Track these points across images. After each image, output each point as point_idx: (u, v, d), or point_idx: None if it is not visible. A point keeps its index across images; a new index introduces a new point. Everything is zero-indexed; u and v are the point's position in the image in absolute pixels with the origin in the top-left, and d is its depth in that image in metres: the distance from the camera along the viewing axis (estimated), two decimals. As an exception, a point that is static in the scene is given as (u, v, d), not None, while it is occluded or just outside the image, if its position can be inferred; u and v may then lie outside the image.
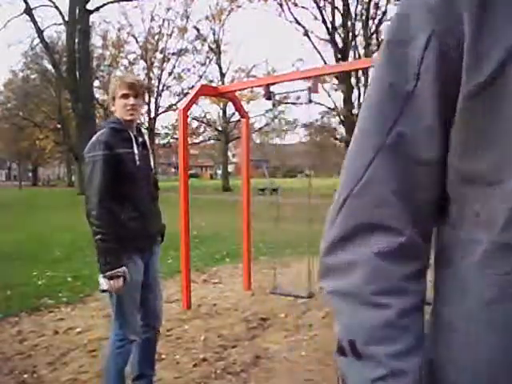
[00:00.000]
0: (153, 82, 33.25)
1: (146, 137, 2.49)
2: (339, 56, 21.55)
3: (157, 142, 34.75)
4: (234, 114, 28.58)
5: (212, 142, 37.39)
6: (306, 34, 21.88)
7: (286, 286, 4.49)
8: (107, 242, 2.11)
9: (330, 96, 23.04)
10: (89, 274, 5.38)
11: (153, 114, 33.90)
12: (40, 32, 19.80)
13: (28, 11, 19.12)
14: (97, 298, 4.52)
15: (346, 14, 21.60)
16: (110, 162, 2.14)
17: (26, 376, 2.85)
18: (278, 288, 4.09)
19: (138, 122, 2.46)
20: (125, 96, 2.25)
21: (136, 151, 2.27)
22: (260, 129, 31.42)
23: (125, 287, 2.14)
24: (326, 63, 20.78)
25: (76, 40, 18.54)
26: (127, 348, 2.30)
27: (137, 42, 32.24)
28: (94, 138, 2.23)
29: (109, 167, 2.13)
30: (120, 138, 2.23)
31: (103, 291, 2.18)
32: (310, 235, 4.55)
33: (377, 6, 21.12)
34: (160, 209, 2.49)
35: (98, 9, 20.23)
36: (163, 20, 31.57)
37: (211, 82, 29.63)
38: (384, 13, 21.02)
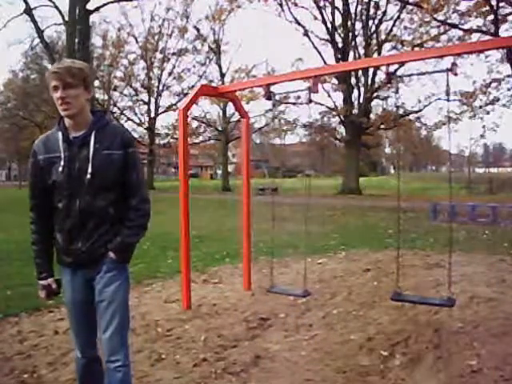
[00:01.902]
0: (153, 81, 33.28)
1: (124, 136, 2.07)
2: (339, 56, 21.55)
3: (157, 142, 34.75)
4: (233, 114, 28.58)
5: (212, 141, 37.38)
6: (306, 34, 21.90)
7: (284, 286, 4.49)
8: (32, 252, 2.06)
9: (329, 96, 23.02)
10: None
11: (153, 114, 33.92)
12: (40, 32, 19.80)
13: (28, 11, 19.12)
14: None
15: (346, 14, 21.60)
16: (33, 170, 2.01)
17: (25, 376, 2.85)
18: (275, 287, 4.09)
19: (101, 115, 2.09)
20: (54, 88, 1.93)
21: (63, 155, 1.94)
22: (260, 129, 31.46)
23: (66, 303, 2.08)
24: (325, 63, 20.76)
25: (76, 40, 18.52)
26: (76, 362, 2.20)
27: (137, 42, 32.30)
28: None
29: (33, 176, 2.02)
30: (50, 140, 2.02)
31: None
32: (306, 235, 4.55)
33: (377, 6, 21.14)
34: (127, 223, 2.02)
35: (98, 9, 20.23)
36: (163, 20, 31.59)
37: (211, 82, 29.65)
38: (384, 13, 21.03)
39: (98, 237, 1.98)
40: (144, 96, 34.05)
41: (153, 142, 33.91)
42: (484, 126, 20.52)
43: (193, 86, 25.69)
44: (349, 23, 21.74)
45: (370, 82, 22.95)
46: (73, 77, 1.91)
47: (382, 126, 23.58)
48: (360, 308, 4.06)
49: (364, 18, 22.01)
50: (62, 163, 1.93)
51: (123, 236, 2.01)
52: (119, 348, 2.03)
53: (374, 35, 22.04)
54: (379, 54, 21.16)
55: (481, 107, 19.00)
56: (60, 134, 1.98)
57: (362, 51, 22.15)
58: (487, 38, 14.92)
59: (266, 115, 27.69)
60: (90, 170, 1.93)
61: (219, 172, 49.16)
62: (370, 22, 21.99)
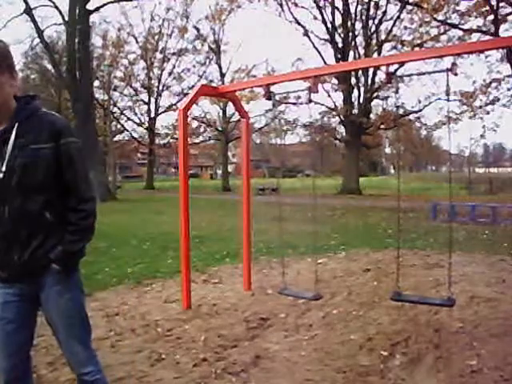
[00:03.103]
0: (153, 81, 33.30)
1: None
2: (339, 56, 21.56)
3: (157, 142, 34.76)
4: (234, 114, 28.58)
5: (212, 141, 37.40)
6: (306, 34, 21.91)
7: (291, 287, 4.47)
8: None
9: (329, 96, 23.02)
10: (88, 273, 5.38)
11: (153, 114, 33.93)
12: (40, 32, 19.78)
13: (28, 11, 19.10)
14: (96, 298, 4.52)
15: (346, 14, 21.61)
16: None
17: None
18: (286, 289, 4.06)
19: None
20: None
21: None
22: (260, 129, 31.48)
23: None
24: (325, 63, 20.76)
25: (76, 40, 18.52)
26: None
27: (137, 42, 32.33)
28: None
29: None
30: None
31: None
32: (312, 235, 4.56)
33: (377, 6, 21.13)
34: (70, 228, 1.77)
35: (98, 9, 20.22)
36: (163, 20, 31.62)
37: (211, 82, 29.67)
38: (384, 13, 21.03)
39: (37, 246, 1.71)
40: (144, 96, 34.11)
41: (153, 142, 33.94)
42: (484, 126, 20.51)
43: (193, 86, 25.68)
44: (349, 23, 21.74)
45: (369, 81, 22.96)
46: None
47: (382, 126, 23.58)
48: (360, 308, 4.06)
49: (364, 18, 22.01)
50: None
51: (65, 243, 1.75)
52: (87, 359, 1.88)
53: (374, 35, 22.04)
54: (379, 54, 21.16)
55: (481, 107, 18.97)
56: None
57: (362, 51, 22.15)
58: (487, 37, 14.92)
59: (266, 115, 27.77)
60: (4, 169, 1.65)
61: (219, 172, 49.17)
62: (370, 22, 21.99)
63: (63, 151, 1.72)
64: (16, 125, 1.68)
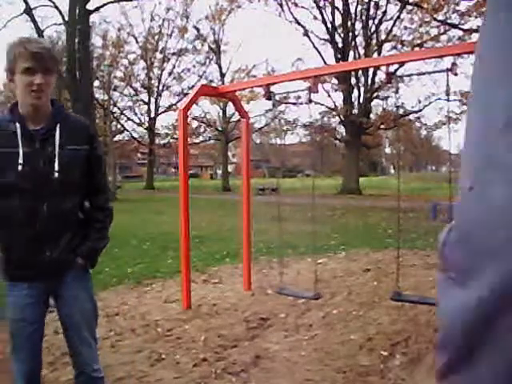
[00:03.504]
0: (153, 81, 33.30)
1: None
2: (339, 56, 21.55)
3: (157, 142, 34.76)
4: (234, 114, 28.59)
5: (212, 141, 37.40)
6: (306, 34, 21.89)
7: (290, 287, 4.49)
8: None
9: (329, 96, 23.03)
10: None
11: (153, 114, 33.93)
12: (40, 32, 19.78)
13: (28, 11, 19.11)
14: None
15: (346, 14, 21.60)
16: None
17: (26, 376, 2.85)
18: (285, 288, 4.07)
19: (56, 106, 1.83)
20: (29, 71, 1.63)
21: (21, 151, 1.66)
22: (260, 129, 31.49)
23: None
24: (325, 63, 20.76)
25: (76, 40, 18.52)
26: None
27: (137, 42, 32.32)
28: None
29: None
30: (2, 132, 1.70)
31: None
32: (311, 235, 4.56)
33: (377, 6, 21.13)
34: (96, 225, 1.88)
35: (98, 9, 20.22)
36: (163, 20, 31.62)
37: (211, 82, 29.66)
38: (384, 13, 21.02)
39: (67, 243, 1.78)
40: (144, 96, 34.11)
41: (153, 142, 33.94)
42: (484, 126, 20.49)
43: (193, 86, 25.68)
44: (349, 23, 21.74)
45: (370, 81, 22.97)
46: (53, 61, 1.68)
47: (382, 126, 23.58)
48: (360, 308, 4.06)
49: (364, 18, 22.01)
50: (21, 161, 1.66)
51: (93, 240, 1.85)
52: (97, 356, 1.96)
53: (374, 35, 22.04)
54: (379, 54, 21.16)
55: (481, 107, 18.97)
56: (18, 125, 1.68)
57: (362, 51, 22.16)
58: (487, 37, 14.91)
59: (266, 115, 27.76)
60: (56, 168, 1.70)
61: (219, 172, 49.18)
62: (370, 22, 21.99)
63: (95, 154, 1.84)
64: (58, 126, 1.74)
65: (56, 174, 1.71)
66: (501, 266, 0.42)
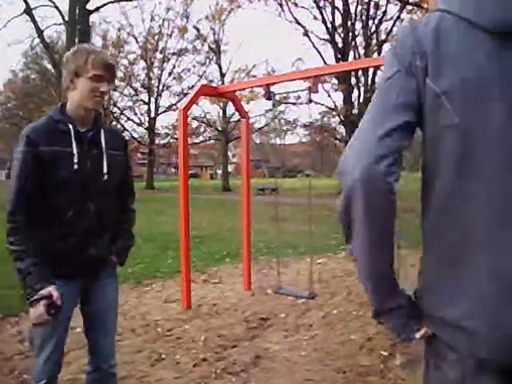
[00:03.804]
0: (153, 81, 33.28)
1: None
2: (339, 56, 21.54)
3: (157, 142, 34.74)
4: (234, 114, 28.58)
5: (212, 141, 37.37)
6: (306, 33, 21.87)
7: (290, 287, 4.49)
8: (22, 261, 1.65)
9: (329, 96, 23.03)
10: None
11: (153, 114, 33.91)
12: (40, 32, 19.78)
13: (28, 11, 19.10)
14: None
15: (346, 14, 21.58)
16: (30, 162, 1.66)
17: (25, 376, 2.84)
18: (282, 288, 4.08)
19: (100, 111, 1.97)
20: (97, 78, 1.71)
21: (75, 151, 1.72)
22: (260, 129, 31.44)
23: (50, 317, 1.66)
24: (325, 63, 20.76)
25: (76, 40, 18.52)
26: None
27: (137, 42, 32.27)
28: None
29: (29, 169, 1.67)
30: (53, 131, 1.72)
31: (34, 325, 1.68)
32: (310, 235, 4.56)
33: (377, 6, 21.10)
34: (127, 225, 2.02)
35: (98, 9, 20.21)
36: (163, 20, 31.58)
37: (211, 82, 29.64)
38: (384, 13, 21.00)
39: (107, 241, 1.89)
40: (144, 96, 34.07)
41: (153, 141, 33.90)
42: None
43: (193, 86, 25.67)
44: (349, 23, 21.72)
45: (370, 81, 22.96)
46: (115, 73, 1.82)
47: (382, 126, 23.57)
48: (360, 308, 4.07)
49: (364, 18, 21.99)
50: (76, 160, 1.72)
51: (126, 239, 2.01)
52: (114, 351, 2.01)
53: (374, 35, 22.03)
54: (379, 54, 21.15)
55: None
56: (71, 126, 1.75)
57: (362, 51, 22.14)
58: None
59: (266, 115, 27.66)
60: (105, 170, 1.81)
61: (219, 172, 49.17)
62: (370, 22, 21.96)
63: (127, 159, 2.01)
64: (102, 131, 1.86)
65: (105, 176, 1.82)
66: (346, 181, 0.86)
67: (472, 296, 0.88)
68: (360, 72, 21.73)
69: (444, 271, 0.93)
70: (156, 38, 32.13)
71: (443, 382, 0.96)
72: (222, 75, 30.97)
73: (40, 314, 1.61)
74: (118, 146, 1.92)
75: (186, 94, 26.92)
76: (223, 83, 27.11)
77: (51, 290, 1.64)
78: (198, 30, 30.77)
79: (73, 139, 1.74)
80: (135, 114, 34.83)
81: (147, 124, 34.15)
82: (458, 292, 0.91)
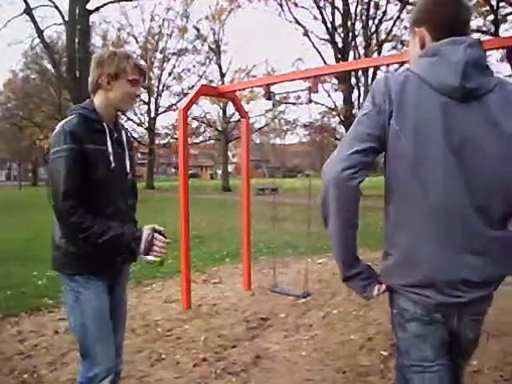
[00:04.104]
0: (153, 81, 33.27)
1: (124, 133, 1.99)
2: (339, 56, 21.53)
3: (157, 142, 34.74)
4: (234, 114, 28.58)
5: (212, 141, 37.37)
6: (306, 34, 21.88)
7: (285, 286, 4.50)
8: (107, 236, 1.69)
9: (329, 96, 23.03)
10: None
11: (153, 114, 33.92)
12: (40, 32, 19.76)
13: (28, 11, 19.08)
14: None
15: (346, 14, 21.58)
16: (80, 159, 1.68)
17: (25, 376, 2.85)
18: (277, 287, 4.10)
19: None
20: (134, 82, 1.82)
21: (110, 149, 1.80)
22: (260, 129, 31.44)
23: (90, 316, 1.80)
24: (325, 63, 20.76)
25: (76, 40, 18.51)
26: None
27: (137, 42, 32.27)
28: (57, 128, 1.74)
29: (79, 165, 1.68)
30: (91, 129, 1.75)
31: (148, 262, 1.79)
32: (310, 235, 4.55)
33: (377, 6, 21.11)
34: (135, 220, 2.07)
35: (98, 9, 20.21)
36: (163, 20, 31.62)
37: (211, 82, 29.65)
38: (384, 13, 21.01)
39: None
40: (144, 96, 34.07)
41: (153, 142, 33.91)
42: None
43: (193, 86, 25.68)
44: (349, 23, 21.73)
45: (369, 81, 22.96)
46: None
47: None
48: (360, 308, 4.07)
49: (364, 18, 22.00)
50: (112, 158, 1.80)
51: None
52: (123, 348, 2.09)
53: (374, 35, 22.03)
54: (379, 54, 21.16)
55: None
56: (105, 125, 1.82)
57: (362, 51, 22.15)
58: (487, 37, 14.92)
59: (266, 115, 27.68)
60: (128, 169, 1.92)
61: (219, 172, 49.15)
62: (370, 22, 21.98)
63: (135, 159, 2.06)
64: (123, 131, 1.96)
65: (129, 175, 1.93)
66: (324, 179, 1.28)
67: (419, 253, 1.28)
68: (360, 72, 21.75)
69: (399, 234, 1.36)
70: (156, 38, 32.14)
71: (406, 333, 1.36)
72: (222, 75, 30.97)
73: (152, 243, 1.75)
74: (131, 146, 2.00)
75: (186, 93, 26.91)
76: (223, 83, 27.11)
77: (143, 231, 1.76)
78: (198, 30, 30.79)
79: (108, 138, 1.80)
80: (135, 114, 34.81)
81: (147, 124, 34.16)
82: (407, 249, 1.32)
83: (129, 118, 34.38)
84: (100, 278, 1.84)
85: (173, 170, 62.30)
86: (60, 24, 21.33)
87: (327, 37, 22.20)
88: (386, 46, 21.96)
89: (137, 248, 1.73)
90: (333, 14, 21.92)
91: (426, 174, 1.24)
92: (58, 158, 1.67)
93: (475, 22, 16.09)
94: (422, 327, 1.32)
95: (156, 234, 1.77)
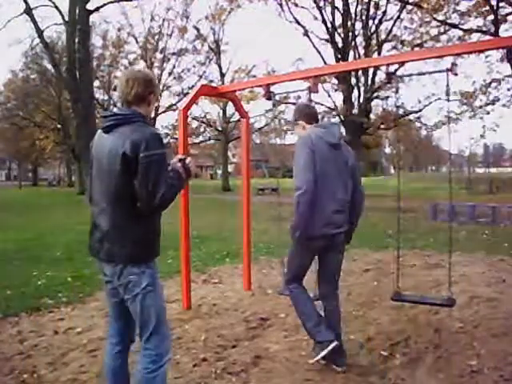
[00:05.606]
0: (153, 81, 33.19)
1: None
2: (339, 56, 21.52)
3: (157, 141, 34.68)
4: (234, 114, 28.57)
5: (212, 141, 37.36)
6: (306, 34, 21.84)
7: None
8: (174, 185, 2.06)
9: (329, 96, 23.00)
10: (89, 273, 5.38)
11: (153, 114, 33.91)
12: (40, 32, 19.74)
13: (28, 11, 19.07)
14: (97, 298, 4.52)
15: (346, 14, 21.57)
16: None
17: (25, 376, 2.85)
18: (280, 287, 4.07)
19: None
20: (157, 99, 2.20)
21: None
22: (260, 129, 31.44)
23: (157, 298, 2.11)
24: (325, 63, 20.75)
25: (76, 40, 18.49)
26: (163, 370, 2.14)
27: (137, 42, 32.21)
28: (149, 134, 2.00)
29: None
30: None
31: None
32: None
33: (377, 6, 21.07)
34: None
35: (97, 9, 20.17)
36: (163, 20, 31.51)
37: (211, 82, 29.58)
38: (384, 13, 20.98)
39: None
40: (144, 96, 34.00)
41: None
42: (484, 126, 20.42)
43: (193, 86, 25.66)
44: (349, 23, 21.69)
45: (369, 81, 22.94)
46: None
47: (382, 126, 23.54)
48: (360, 308, 4.07)
49: (364, 17, 21.96)
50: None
51: None
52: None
53: (374, 35, 21.99)
54: (379, 53, 21.13)
55: (481, 107, 18.87)
56: None
57: (362, 51, 22.12)
58: (487, 37, 14.91)
59: (266, 115, 27.70)
60: None
61: (219, 172, 49.15)
62: (370, 22, 21.92)
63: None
64: None
65: None
66: (299, 187, 2.75)
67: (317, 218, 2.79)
68: (360, 72, 21.72)
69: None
70: (156, 38, 32.08)
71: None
72: (222, 75, 30.95)
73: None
74: None
75: (186, 94, 26.90)
76: (223, 83, 27.09)
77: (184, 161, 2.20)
78: (198, 30, 30.72)
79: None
80: (135, 114, 34.77)
81: (147, 124, 34.10)
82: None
83: (129, 118, 34.36)
84: (155, 262, 2.16)
85: (173, 170, 62.13)
86: (60, 24, 21.34)
87: (327, 37, 22.16)
88: (386, 45, 21.93)
89: (184, 175, 2.17)
90: (333, 14, 21.88)
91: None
92: (148, 162, 1.94)
93: (475, 22, 16.10)
94: None
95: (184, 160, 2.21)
